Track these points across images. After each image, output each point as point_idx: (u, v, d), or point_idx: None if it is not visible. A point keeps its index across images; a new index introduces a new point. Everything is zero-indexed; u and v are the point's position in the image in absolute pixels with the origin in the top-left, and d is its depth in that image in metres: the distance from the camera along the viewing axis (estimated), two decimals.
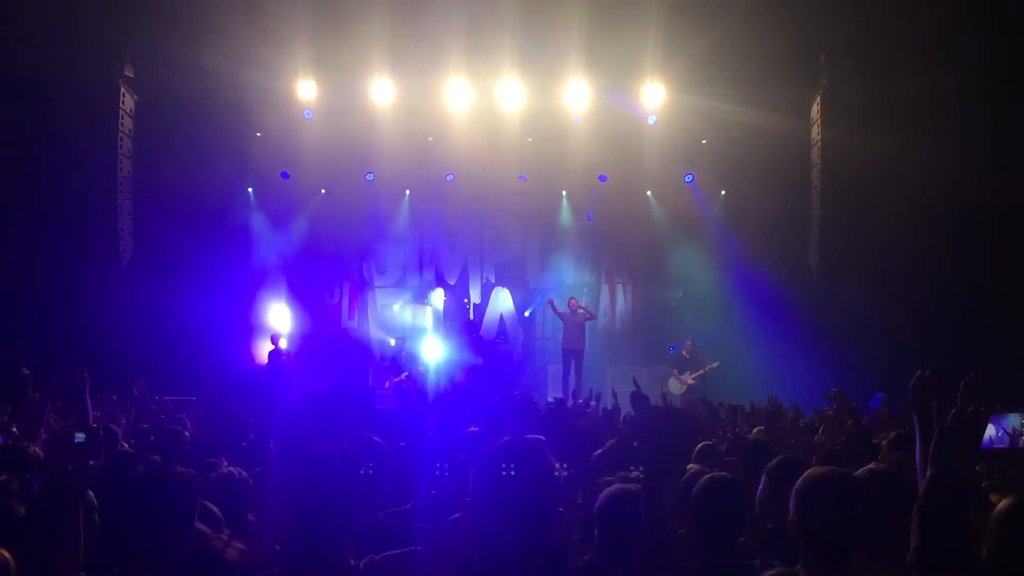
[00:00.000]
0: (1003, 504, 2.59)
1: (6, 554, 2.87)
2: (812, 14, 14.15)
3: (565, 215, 18.16)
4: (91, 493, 3.42)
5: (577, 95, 15.20)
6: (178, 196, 15.69)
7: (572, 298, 15.63)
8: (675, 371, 16.08)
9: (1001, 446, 3.25)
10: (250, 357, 16.72)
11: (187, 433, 6.08)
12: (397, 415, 8.28)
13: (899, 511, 3.09)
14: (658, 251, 17.54)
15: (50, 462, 4.16)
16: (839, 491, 2.70)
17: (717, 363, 15.63)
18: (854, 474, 3.16)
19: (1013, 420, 3.28)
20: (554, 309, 15.57)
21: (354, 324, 18.53)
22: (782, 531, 2.96)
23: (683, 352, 16.18)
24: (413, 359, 15.85)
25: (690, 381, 15.81)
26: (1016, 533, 2.52)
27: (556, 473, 2.13)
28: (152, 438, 6.24)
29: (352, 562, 2.70)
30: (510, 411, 7.31)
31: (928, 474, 2.54)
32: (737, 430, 7.09)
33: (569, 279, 17.66)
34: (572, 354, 15.30)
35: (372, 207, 18.31)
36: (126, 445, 5.65)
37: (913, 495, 2.75)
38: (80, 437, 4.81)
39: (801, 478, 2.79)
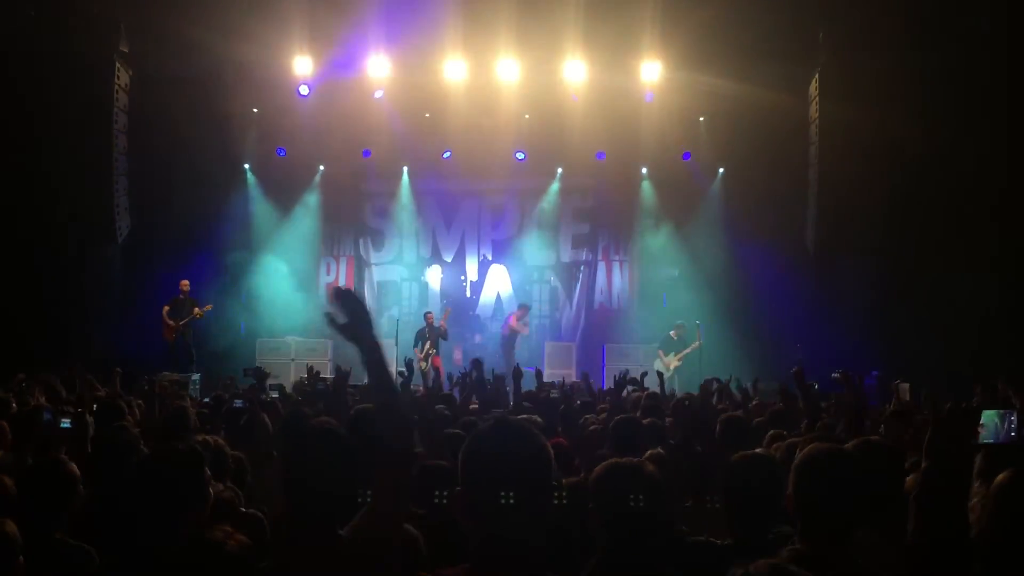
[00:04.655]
0: (1003, 476, 2.66)
1: (11, 526, 2.88)
2: None
3: (562, 192, 18.13)
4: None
5: (574, 72, 15.10)
6: (174, 172, 15.64)
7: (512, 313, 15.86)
8: (660, 352, 16.07)
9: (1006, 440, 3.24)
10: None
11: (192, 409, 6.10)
12: None
13: (898, 485, 3.13)
14: (655, 229, 17.52)
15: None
16: (838, 466, 2.71)
17: (698, 343, 15.51)
18: (849, 447, 3.19)
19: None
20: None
21: None
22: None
23: (671, 333, 16.11)
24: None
25: (675, 363, 15.79)
26: (1014, 502, 2.62)
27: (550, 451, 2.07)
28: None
29: None
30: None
31: (923, 465, 2.62)
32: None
33: (566, 257, 17.60)
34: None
35: (370, 184, 18.27)
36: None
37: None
38: (65, 423, 4.81)
39: (800, 453, 2.80)
